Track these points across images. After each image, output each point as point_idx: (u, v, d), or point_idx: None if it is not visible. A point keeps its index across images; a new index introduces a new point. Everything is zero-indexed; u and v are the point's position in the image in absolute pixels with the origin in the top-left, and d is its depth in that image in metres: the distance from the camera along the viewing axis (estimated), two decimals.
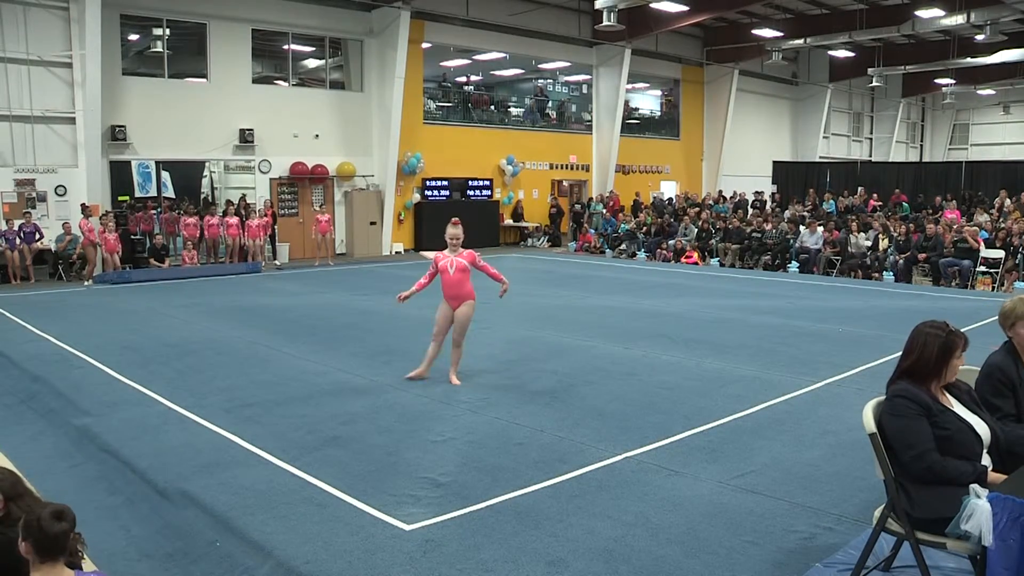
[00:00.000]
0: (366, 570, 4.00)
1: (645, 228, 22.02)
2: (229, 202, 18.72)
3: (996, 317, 4.25)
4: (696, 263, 19.40)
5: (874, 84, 30.32)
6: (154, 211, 17.96)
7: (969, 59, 28.65)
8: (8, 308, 12.25)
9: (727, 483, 5.13)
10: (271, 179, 19.94)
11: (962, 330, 3.61)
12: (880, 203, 23.69)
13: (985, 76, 32.55)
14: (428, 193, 22.44)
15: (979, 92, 36.47)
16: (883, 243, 17.34)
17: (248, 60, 19.32)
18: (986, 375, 3.93)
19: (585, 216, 24.52)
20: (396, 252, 21.78)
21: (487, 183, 23.80)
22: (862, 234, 17.89)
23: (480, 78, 25.84)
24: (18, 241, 15.67)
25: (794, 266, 17.93)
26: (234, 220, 17.98)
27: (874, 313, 11.99)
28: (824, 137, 34.50)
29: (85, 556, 2.86)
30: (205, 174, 19.78)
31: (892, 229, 17.68)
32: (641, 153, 28.52)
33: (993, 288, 15.23)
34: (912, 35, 26.71)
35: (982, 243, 15.82)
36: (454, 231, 7.51)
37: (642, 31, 24.65)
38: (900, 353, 3.64)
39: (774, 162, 29.65)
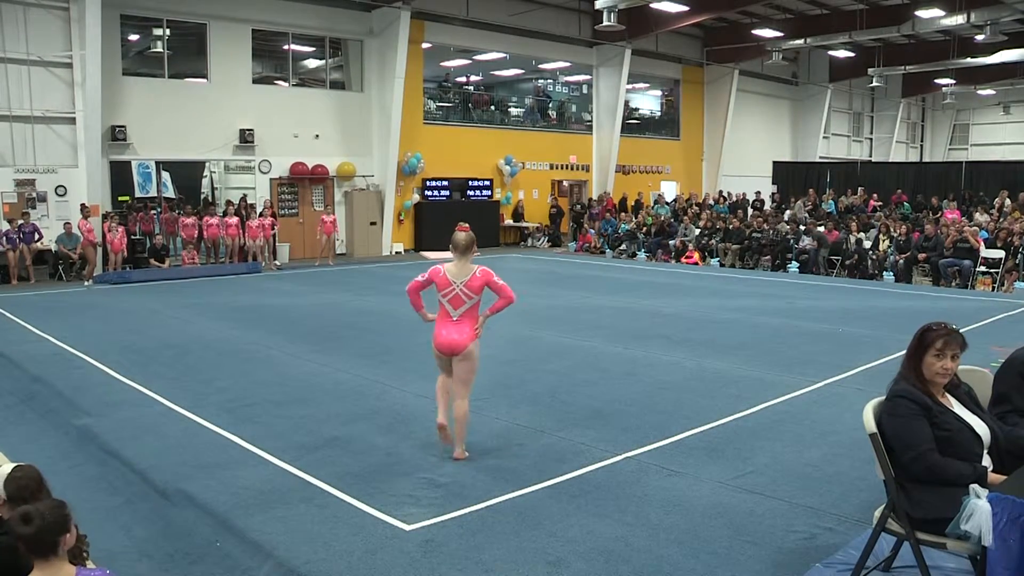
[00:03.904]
0: (366, 570, 4.00)
1: (645, 228, 22.02)
2: (229, 202, 18.72)
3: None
4: (696, 263, 19.41)
5: (874, 84, 30.32)
6: (154, 211, 17.97)
7: (969, 59, 28.64)
8: (8, 308, 12.25)
9: (727, 483, 5.13)
10: (271, 179, 19.94)
11: (963, 331, 3.60)
12: (880, 203, 23.69)
13: (985, 76, 32.54)
14: (428, 193, 22.44)
15: (979, 92, 36.47)
16: (883, 243, 17.35)
17: (248, 60, 19.32)
18: (1006, 367, 3.92)
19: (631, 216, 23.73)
20: (396, 252, 21.78)
21: (487, 183, 23.79)
22: (862, 234, 17.89)
23: (480, 78, 25.84)
24: (18, 241, 15.67)
25: (794, 266, 17.93)
26: (234, 220, 17.98)
27: (874, 313, 11.99)
28: (824, 137, 34.49)
29: (88, 559, 2.86)
30: (205, 174, 19.78)
31: (892, 229, 17.69)
32: (641, 153, 28.52)
33: (993, 288, 15.22)
34: (912, 35, 26.70)
35: (982, 243, 15.81)
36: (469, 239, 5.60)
37: (642, 31, 24.64)
38: (901, 353, 3.65)
39: (774, 162, 29.63)
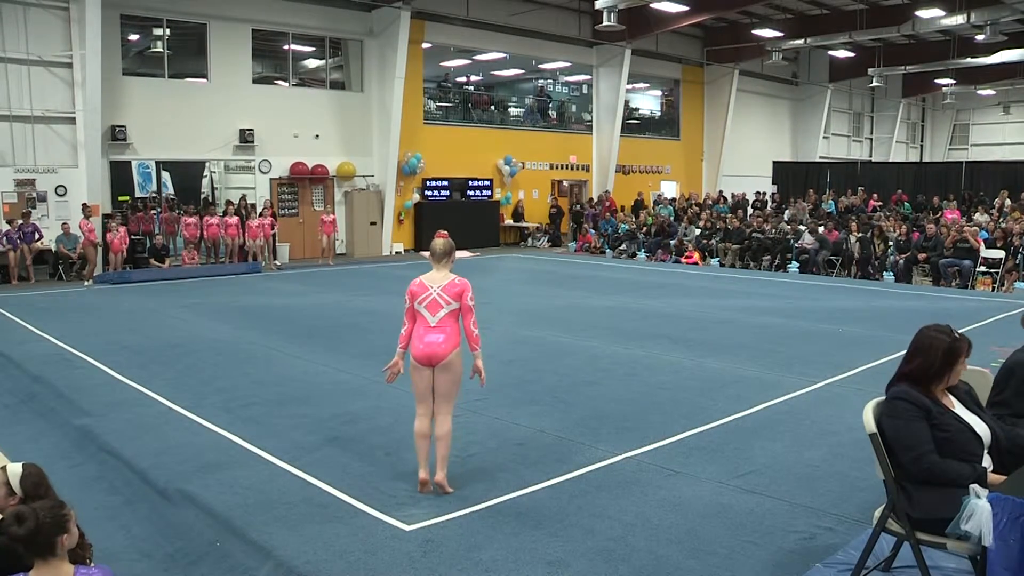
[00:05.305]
0: (366, 570, 4.00)
1: (645, 228, 22.02)
2: (229, 202, 18.71)
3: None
4: (696, 263, 19.41)
5: (874, 84, 30.29)
6: (154, 211, 17.97)
7: (969, 59, 28.62)
8: (8, 308, 12.25)
9: (727, 483, 5.13)
10: (271, 179, 19.94)
11: (962, 331, 3.60)
12: (880, 203, 23.69)
13: (985, 76, 32.54)
14: (428, 193, 22.43)
15: (979, 92, 36.45)
16: (879, 246, 17.33)
17: (248, 60, 19.32)
18: (1008, 370, 3.92)
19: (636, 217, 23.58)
20: (396, 252, 21.78)
21: (487, 183, 23.79)
22: (861, 233, 17.88)
23: (480, 78, 25.84)
24: (18, 241, 15.67)
25: (794, 266, 17.93)
26: (234, 220, 17.98)
27: (874, 313, 11.99)
28: (824, 137, 34.48)
29: (91, 563, 2.86)
30: (205, 174, 19.77)
31: (892, 229, 17.67)
32: (641, 153, 28.52)
33: (993, 288, 15.22)
34: (912, 35, 26.70)
35: (982, 243, 15.81)
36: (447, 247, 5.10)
37: (642, 31, 24.64)
38: (901, 353, 3.64)
39: (774, 162, 29.64)
